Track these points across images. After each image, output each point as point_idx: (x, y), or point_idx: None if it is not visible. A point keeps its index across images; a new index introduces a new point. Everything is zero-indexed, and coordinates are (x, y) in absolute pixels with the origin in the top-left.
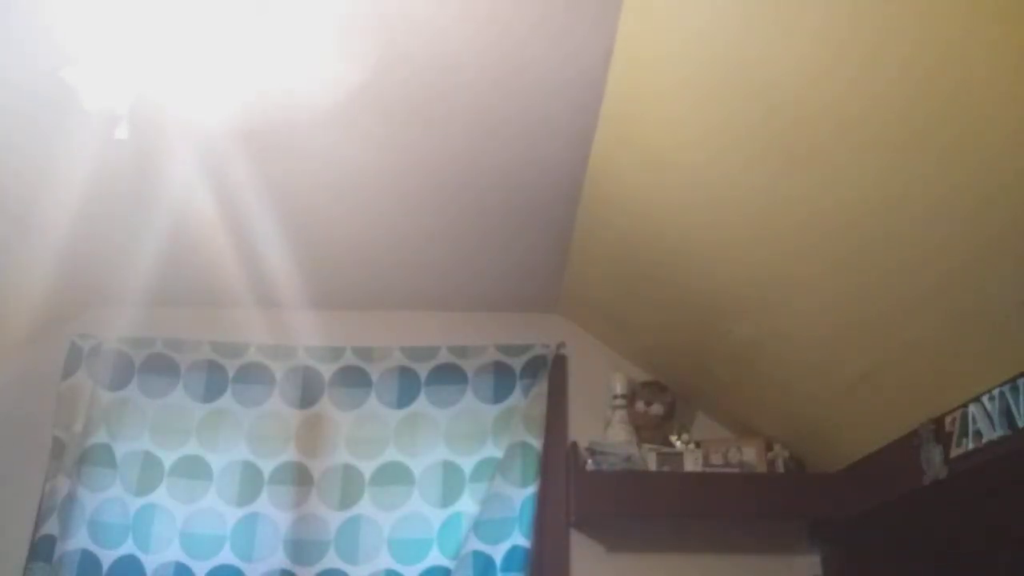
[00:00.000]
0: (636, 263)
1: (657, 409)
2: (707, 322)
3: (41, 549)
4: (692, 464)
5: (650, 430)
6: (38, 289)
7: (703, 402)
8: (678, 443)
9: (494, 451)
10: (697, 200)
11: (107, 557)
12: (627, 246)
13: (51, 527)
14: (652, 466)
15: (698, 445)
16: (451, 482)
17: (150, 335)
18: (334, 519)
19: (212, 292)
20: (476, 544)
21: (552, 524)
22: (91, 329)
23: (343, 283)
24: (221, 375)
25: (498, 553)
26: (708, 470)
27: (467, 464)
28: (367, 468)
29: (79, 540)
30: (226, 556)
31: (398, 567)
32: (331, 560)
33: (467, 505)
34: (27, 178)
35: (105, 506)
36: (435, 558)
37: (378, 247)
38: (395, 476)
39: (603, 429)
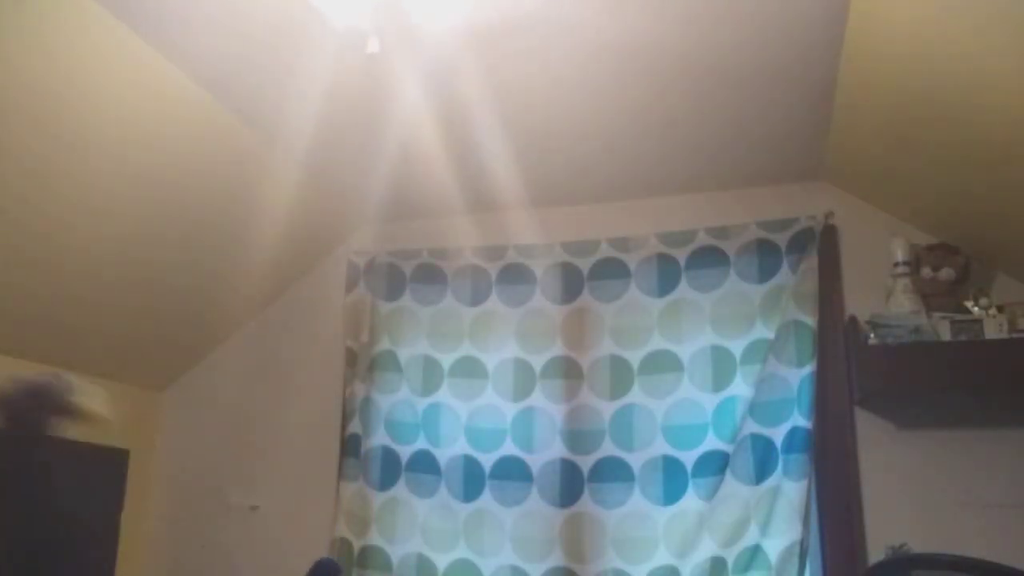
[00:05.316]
0: (913, 109)
1: (947, 274)
2: (1005, 163)
3: (350, 446)
4: (995, 331)
5: (940, 297)
6: (307, 211)
7: (1004, 260)
8: (975, 309)
9: (764, 332)
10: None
11: (404, 452)
12: (901, 92)
13: (355, 427)
14: (946, 336)
15: (1000, 309)
16: (721, 366)
17: (416, 246)
18: (607, 409)
19: (470, 198)
20: (753, 427)
21: (835, 404)
22: (363, 246)
23: (592, 177)
24: (485, 278)
25: (778, 435)
26: (1016, 336)
27: (736, 347)
28: (634, 358)
29: (379, 438)
30: (508, 448)
31: (675, 452)
32: (607, 448)
33: (740, 388)
34: (271, 94)
35: (397, 407)
36: (712, 443)
37: (626, 135)
38: (663, 364)
39: (884, 301)
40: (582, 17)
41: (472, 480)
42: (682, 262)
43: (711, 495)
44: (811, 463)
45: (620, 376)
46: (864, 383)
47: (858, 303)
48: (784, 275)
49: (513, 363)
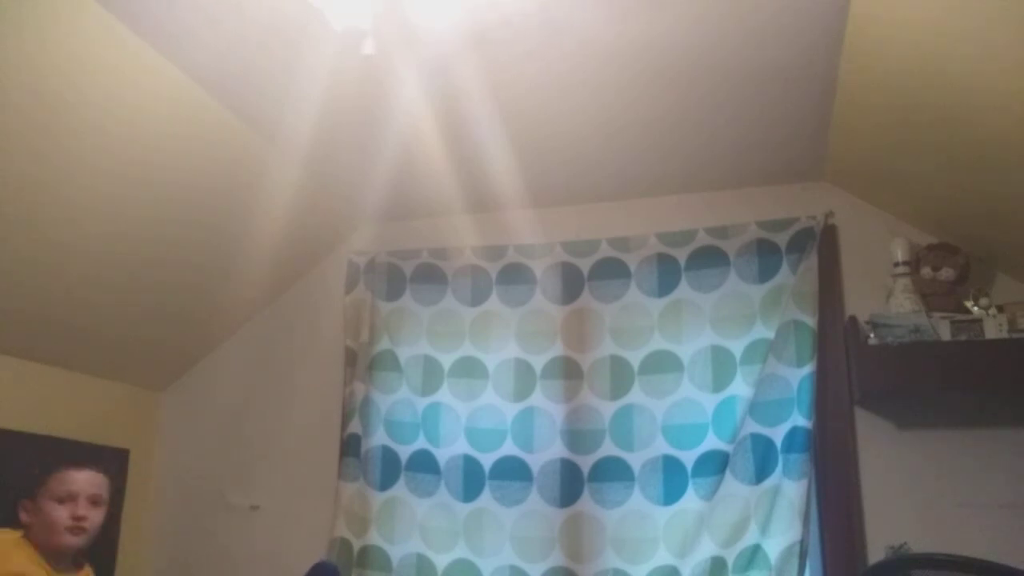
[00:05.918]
0: (914, 109)
1: (947, 274)
2: (1005, 163)
3: (350, 446)
4: (995, 331)
5: (940, 297)
6: (307, 211)
7: (1004, 260)
8: (975, 309)
9: (764, 332)
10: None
11: (404, 452)
12: (901, 92)
13: (355, 427)
14: (946, 336)
15: (1001, 309)
16: (721, 366)
17: (416, 246)
18: (607, 409)
19: (470, 198)
20: (753, 427)
21: (835, 404)
22: (364, 246)
23: (592, 177)
24: (485, 278)
25: (777, 435)
26: (1016, 336)
27: (737, 347)
28: (634, 358)
29: (379, 437)
30: (509, 448)
31: (675, 452)
32: (608, 448)
33: (740, 388)
34: (271, 94)
35: (396, 406)
36: (712, 442)
37: (626, 135)
38: (663, 364)
39: (884, 300)
40: (582, 18)
41: (472, 480)
42: (682, 262)
43: (711, 495)
44: (811, 463)
45: (620, 376)
46: (864, 383)
47: (858, 303)
48: (784, 275)
49: (513, 363)
